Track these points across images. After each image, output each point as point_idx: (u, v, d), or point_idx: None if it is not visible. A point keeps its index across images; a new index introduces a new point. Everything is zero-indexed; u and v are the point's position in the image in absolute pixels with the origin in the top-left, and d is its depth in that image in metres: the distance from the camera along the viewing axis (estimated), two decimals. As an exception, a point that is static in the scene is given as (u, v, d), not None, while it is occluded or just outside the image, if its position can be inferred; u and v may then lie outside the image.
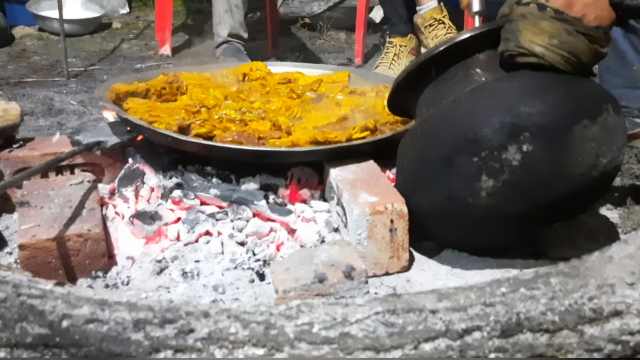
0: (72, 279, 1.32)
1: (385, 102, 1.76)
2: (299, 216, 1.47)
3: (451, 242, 1.44)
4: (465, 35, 1.36)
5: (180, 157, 1.59)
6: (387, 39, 2.88)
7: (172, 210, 1.47)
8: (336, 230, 1.45)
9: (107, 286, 1.32)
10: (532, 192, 1.25)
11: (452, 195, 1.29)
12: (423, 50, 2.78)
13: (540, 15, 1.24)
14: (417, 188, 1.36)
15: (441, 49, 1.36)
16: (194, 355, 0.72)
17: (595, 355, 0.78)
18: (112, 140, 1.62)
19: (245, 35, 2.87)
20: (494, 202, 1.26)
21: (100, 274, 1.34)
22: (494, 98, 1.27)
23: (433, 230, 1.40)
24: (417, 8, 2.75)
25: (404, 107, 1.50)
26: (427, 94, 1.42)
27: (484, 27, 1.38)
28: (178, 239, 1.42)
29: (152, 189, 1.54)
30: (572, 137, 1.22)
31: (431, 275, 1.38)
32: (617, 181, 1.80)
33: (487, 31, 1.35)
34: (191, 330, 0.73)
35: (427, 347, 0.75)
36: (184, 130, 1.54)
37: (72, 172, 1.60)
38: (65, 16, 2.87)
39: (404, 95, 1.46)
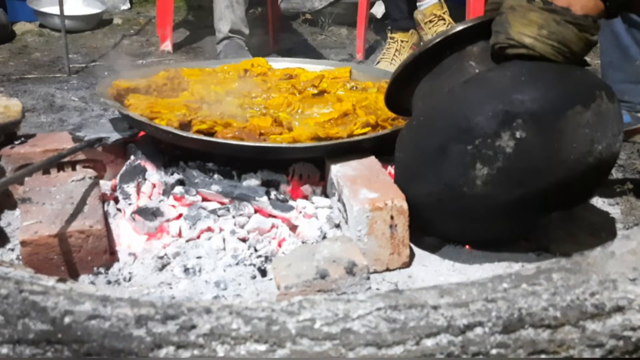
0: (74, 276, 1.32)
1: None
2: (300, 212, 1.47)
3: (450, 234, 1.44)
4: (458, 28, 1.37)
5: (181, 153, 1.59)
6: (389, 35, 2.87)
7: (173, 206, 1.47)
8: (337, 226, 1.45)
9: (109, 282, 1.32)
10: (527, 178, 1.26)
11: (447, 185, 1.30)
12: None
13: (528, 6, 1.25)
14: (413, 179, 1.37)
15: (434, 42, 1.37)
16: (196, 352, 0.72)
17: (597, 351, 0.78)
18: (114, 136, 1.62)
19: (247, 31, 2.86)
20: (490, 190, 1.26)
21: (102, 270, 1.34)
22: (486, 87, 1.28)
23: (431, 222, 1.40)
24: (418, 4, 2.75)
25: (402, 104, 1.50)
26: (422, 88, 1.43)
27: (477, 19, 1.38)
28: (180, 235, 1.42)
29: (154, 185, 1.54)
30: (565, 122, 1.22)
31: (433, 271, 1.38)
32: (619, 176, 1.80)
33: (480, 23, 1.35)
34: (193, 327, 0.73)
35: (429, 342, 0.75)
36: (185, 126, 1.54)
37: (74, 169, 1.60)
38: (66, 12, 2.86)
39: (400, 91, 1.47)
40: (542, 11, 1.24)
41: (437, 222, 1.39)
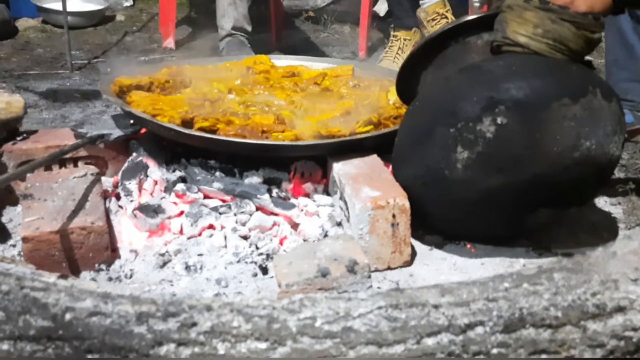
0: (76, 272, 1.32)
1: (389, 96, 1.77)
2: (302, 210, 1.47)
3: (436, 221, 1.44)
4: (464, 20, 1.39)
5: (183, 150, 1.59)
6: (392, 33, 2.87)
7: (175, 203, 1.47)
8: (339, 224, 1.45)
9: (110, 279, 1.32)
10: (508, 166, 1.27)
11: (430, 167, 1.32)
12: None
13: (524, 5, 1.28)
14: (403, 161, 1.40)
15: (440, 31, 1.40)
16: (196, 349, 0.72)
17: (598, 351, 0.78)
18: (116, 133, 1.62)
19: (249, 28, 2.86)
20: (470, 175, 1.28)
21: (103, 267, 1.34)
22: (479, 75, 1.31)
23: (419, 208, 1.39)
24: (420, 2, 2.74)
25: (411, 94, 1.51)
26: (427, 78, 1.46)
27: (482, 13, 1.40)
28: (181, 232, 1.42)
29: (156, 182, 1.54)
30: (549, 113, 1.23)
31: (434, 269, 1.38)
32: (621, 176, 1.79)
33: (485, 17, 1.37)
34: (194, 324, 0.73)
35: (429, 341, 0.75)
36: (187, 123, 1.54)
37: (76, 165, 1.60)
38: (69, 8, 2.86)
39: (409, 81, 1.49)
40: (538, 10, 1.26)
41: (426, 210, 1.39)
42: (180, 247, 1.39)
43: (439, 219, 1.42)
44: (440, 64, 1.43)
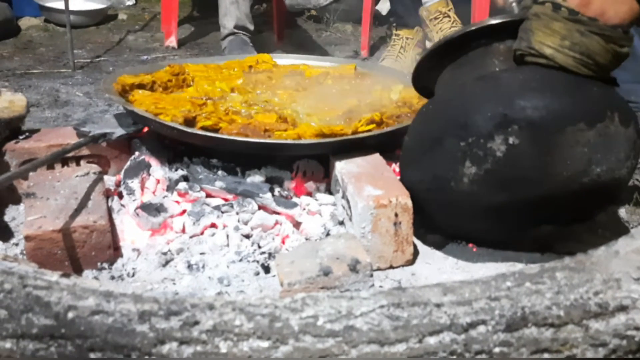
0: (78, 271, 1.33)
1: (391, 95, 1.77)
2: (304, 209, 1.47)
3: (438, 224, 1.44)
4: (489, 23, 1.36)
5: (186, 149, 1.59)
6: (394, 32, 2.87)
7: (177, 202, 1.47)
8: (341, 223, 1.45)
9: (112, 278, 1.32)
10: (515, 186, 1.25)
11: (436, 176, 1.31)
12: (428, 43, 2.77)
13: (553, 15, 1.22)
14: (409, 164, 1.39)
15: (465, 31, 1.36)
16: (198, 348, 0.72)
17: (600, 350, 0.78)
18: (118, 132, 1.62)
19: (251, 27, 2.86)
20: (475, 190, 1.27)
21: (105, 265, 1.34)
22: (495, 87, 1.28)
23: (422, 210, 1.39)
24: (423, 1, 2.74)
25: (429, 87, 1.50)
26: (445, 76, 1.43)
27: (508, 17, 1.37)
28: (183, 231, 1.42)
29: (158, 181, 1.54)
30: (563, 137, 1.20)
31: (436, 268, 1.38)
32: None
33: (511, 22, 1.33)
34: (196, 323, 0.73)
35: (431, 340, 0.75)
36: (189, 122, 1.54)
37: (78, 164, 1.60)
38: (71, 7, 2.86)
39: (427, 75, 1.47)
40: (567, 21, 1.20)
41: (427, 211, 1.39)
42: (183, 245, 1.39)
43: (441, 222, 1.42)
44: (460, 64, 1.39)
